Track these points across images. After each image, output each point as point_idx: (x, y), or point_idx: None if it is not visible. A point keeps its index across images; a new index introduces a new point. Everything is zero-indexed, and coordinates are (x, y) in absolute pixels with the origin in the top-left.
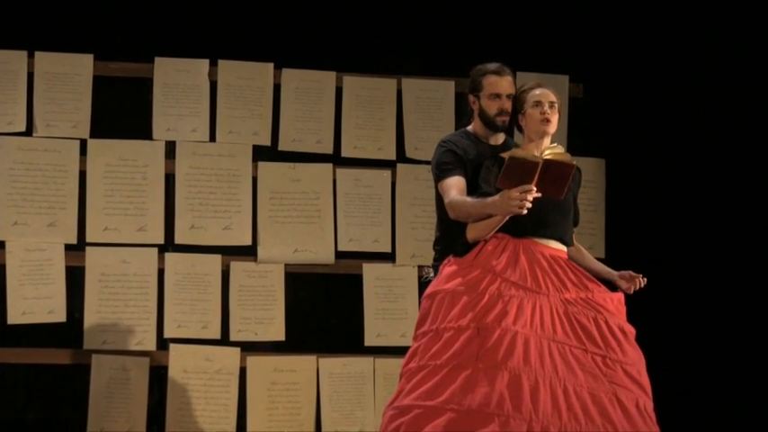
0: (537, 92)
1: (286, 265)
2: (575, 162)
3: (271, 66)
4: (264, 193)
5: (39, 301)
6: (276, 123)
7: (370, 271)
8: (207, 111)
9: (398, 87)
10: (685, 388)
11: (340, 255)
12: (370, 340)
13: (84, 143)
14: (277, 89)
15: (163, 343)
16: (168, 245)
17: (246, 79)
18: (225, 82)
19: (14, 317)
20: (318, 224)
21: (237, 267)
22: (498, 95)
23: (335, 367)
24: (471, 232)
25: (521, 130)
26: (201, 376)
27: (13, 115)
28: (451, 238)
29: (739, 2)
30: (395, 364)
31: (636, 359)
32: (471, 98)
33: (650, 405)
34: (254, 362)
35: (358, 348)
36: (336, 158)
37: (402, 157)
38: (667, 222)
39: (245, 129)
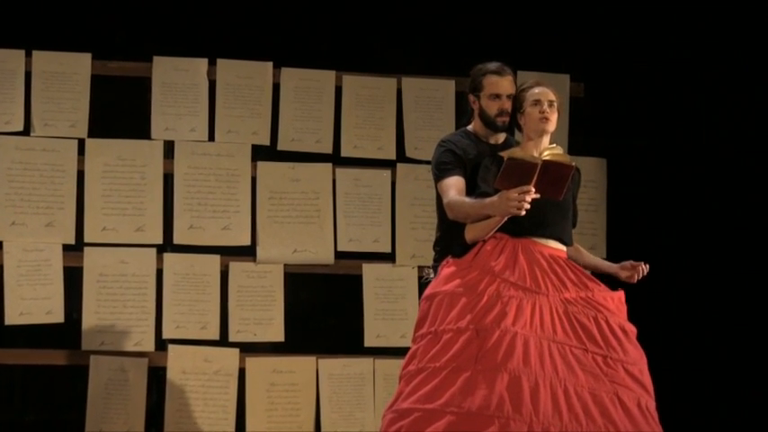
0: (536, 90)
1: (285, 265)
2: (574, 163)
3: (270, 65)
4: (263, 193)
5: (36, 302)
6: (275, 123)
7: (369, 271)
8: (206, 110)
9: (398, 86)
10: (687, 387)
11: (340, 255)
12: (369, 341)
13: (82, 143)
14: (276, 88)
15: (161, 344)
16: (167, 245)
17: (245, 78)
18: (224, 81)
19: (12, 317)
20: (318, 224)
21: (236, 268)
22: (498, 95)
23: (335, 368)
24: (470, 233)
25: (520, 128)
26: (200, 377)
27: (10, 114)
28: (452, 238)
29: (740, 1)
30: (395, 365)
31: (637, 358)
32: (471, 98)
33: (652, 404)
34: (253, 363)
35: (358, 349)
36: (336, 158)
37: (402, 156)
38: (669, 222)
39: (244, 128)
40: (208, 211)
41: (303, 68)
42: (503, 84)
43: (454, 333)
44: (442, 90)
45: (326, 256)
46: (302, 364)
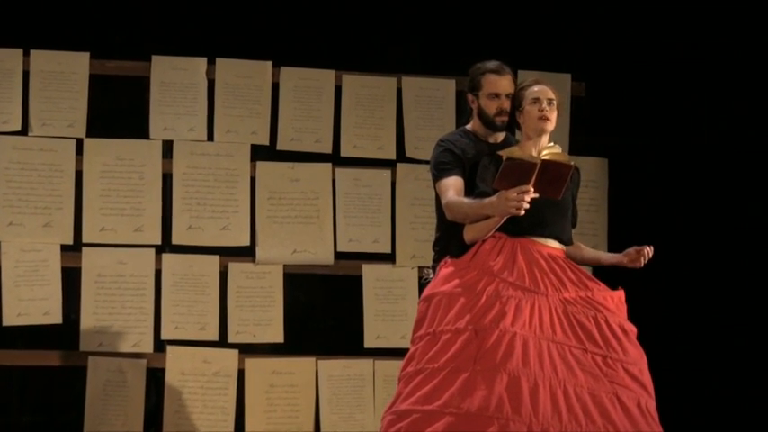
0: (535, 89)
1: (285, 265)
2: (573, 162)
3: (269, 64)
4: (263, 193)
5: (34, 303)
6: (275, 122)
7: (369, 272)
8: (204, 110)
9: (398, 86)
10: (688, 387)
11: (339, 255)
12: (369, 342)
13: (80, 142)
14: (275, 88)
15: (160, 345)
16: (165, 245)
17: (244, 78)
18: (222, 80)
19: (10, 318)
20: (317, 224)
21: (235, 268)
22: (497, 95)
23: (335, 369)
24: (469, 233)
25: (519, 127)
26: (199, 378)
27: (8, 114)
28: (451, 238)
29: (742, 1)
30: (395, 366)
31: (637, 358)
32: (470, 97)
33: (652, 404)
34: (252, 364)
35: (357, 350)
36: (336, 158)
37: (402, 156)
38: (670, 222)
39: (243, 128)
40: (207, 211)
41: (302, 68)
42: (502, 83)
43: (453, 334)
44: (443, 89)
45: (326, 257)
46: (302, 366)
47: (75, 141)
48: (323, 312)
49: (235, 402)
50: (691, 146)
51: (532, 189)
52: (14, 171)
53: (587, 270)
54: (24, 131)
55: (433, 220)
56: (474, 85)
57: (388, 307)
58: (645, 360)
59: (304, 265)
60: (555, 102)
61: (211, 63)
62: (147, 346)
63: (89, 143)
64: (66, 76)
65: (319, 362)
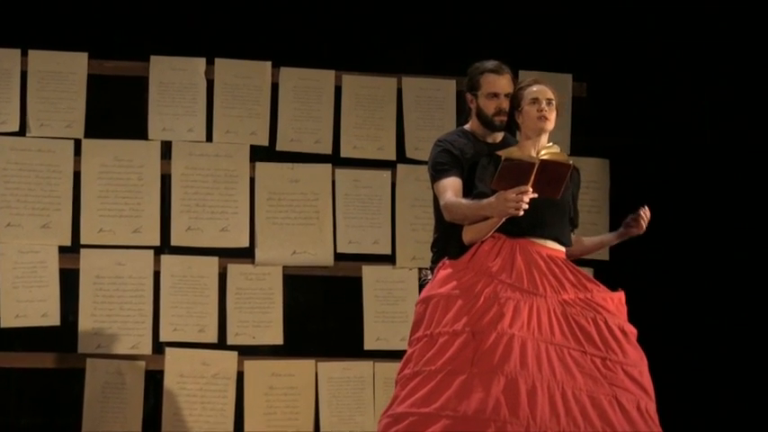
0: (534, 89)
1: (284, 267)
2: (572, 162)
3: (268, 64)
4: (262, 194)
5: (32, 304)
6: (274, 123)
7: (369, 273)
8: (203, 110)
9: (398, 86)
10: (688, 389)
11: (339, 257)
12: (369, 344)
13: (78, 143)
14: (275, 88)
15: (159, 347)
16: (164, 247)
17: (244, 78)
18: (222, 81)
19: (7, 320)
20: (317, 226)
21: (235, 270)
22: (496, 95)
23: (334, 371)
24: (467, 234)
25: (518, 127)
26: (198, 381)
27: (6, 115)
28: (449, 239)
29: (742, 2)
30: (395, 369)
31: (637, 360)
32: (469, 96)
33: (652, 407)
34: (251, 366)
35: (357, 352)
36: (335, 159)
37: (402, 157)
38: (672, 223)
39: (242, 128)
40: (206, 212)
41: (302, 68)
42: (500, 82)
43: (450, 336)
44: (443, 90)
45: (326, 258)
46: (301, 368)
47: (73, 142)
48: (323, 314)
49: (234, 404)
50: (692, 146)
51: (531, 189)
52: (12, 172)
53: (588, 271)
54: (22, 132)
55: (434, 221)
56: (472, 85)
57: (389, 309)
58: (645, 362)
59: (304, 266)
60: (554, 102)
61: (210, 63)
62: (146, 348)
63: (87, 144)
64: (64, 76)
65: (319, 364)
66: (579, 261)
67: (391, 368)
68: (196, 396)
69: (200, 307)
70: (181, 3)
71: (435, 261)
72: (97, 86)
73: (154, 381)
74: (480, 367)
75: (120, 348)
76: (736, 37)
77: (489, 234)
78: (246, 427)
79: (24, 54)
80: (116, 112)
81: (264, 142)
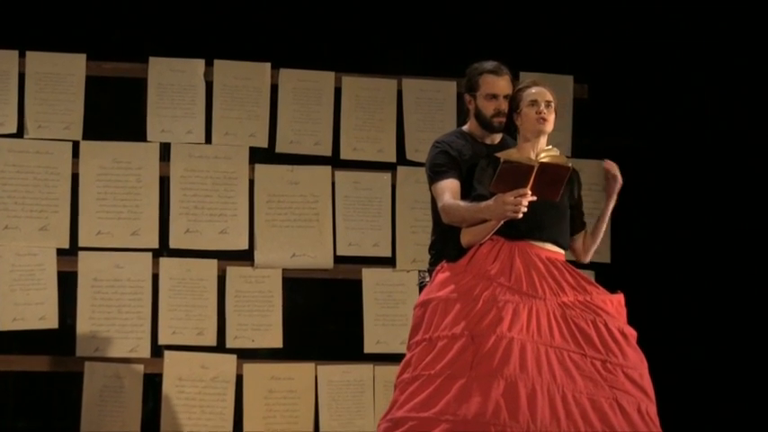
0: (533, 90)
1: (284, 270)
2: (570, 164)
3: (268, 66)
4: (261, 197)
5: (30, 307)
6: (273, 125)
7: (369, 276)
8: (202, 112)
9: (399, 88)
10: (689, 391)
11: (339, 259)
12: (369, 347)
13: (76, 145)
14: (274, 90)
15: (157, 350)
16: (163, 249)
17: (243, 79)
18: (221, 82)
19: (5, 323)
20: (317, 228)
21: (234, 272)
22: (495, 96)
23: (334, 375)
24: (466, 237)
25: (516, 129)
26: (197, 384)
27: (3, 116)
28: (447, 241)
29: (744, 3)
30: (395, 372)
31: (637, 362)
32: (467, 97)
33: (653, 409)
34: (250, 369)
35: (357, 355)
36: (335, 161)
37: (402, 159)
38: (673, 225)
39: (241, 130)
40: (205, 214)
41: (302, 69)
42: (500, 83)
43: (449, 340)
44: (444, 91)
45: (326, 261)
46: (301, 371)
47: (71, 144)
48: (322, 317)
49: (233, 408)
50: (693, 148)
51: (530, 192)
52: (10, 174)
53: (589, 274)
54: (20, 134)
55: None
56: (471, 86)
57: (389, 311)
58: (645, 364)
59: (303, 269)
60: (553, 104)
61: (209, 64)
62: (145, 352)
63: (85, 146)
64: (62, 77)
65: (319, 367)
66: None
67: (391, 371)
68: (195, 399)
69: (198, 310)
70: (180, 4)
71: (433, 263)
72: (95, 88)
73: (152, 384)
74: (480, 371)
75: (119, 351)
76: (737, 38)
77: (487, 237)
78: (246, 430)
79: (22, 55)
80: (114, 113)
81: (264, 144)
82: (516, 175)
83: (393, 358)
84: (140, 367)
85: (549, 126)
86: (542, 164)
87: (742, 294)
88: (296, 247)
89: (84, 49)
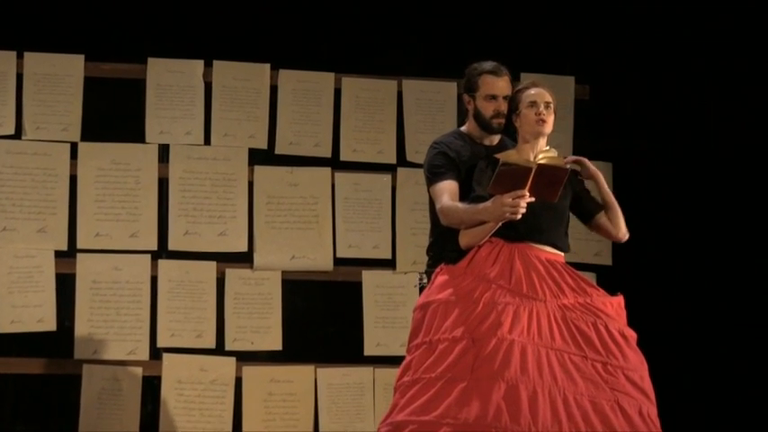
0: (532, 91)
1: (283, 272)
2: (569, 166)
3: (267, 66)
4: (261, 198)
5: (28, 310)
6: (273, 126)
7: (369, 278)
8: (201, 113)
9: (399, 89)
10: (689, 393)
11: (339, 261)
12: (369, 349)
13: (74, 146)
14: (274, 91)
15: (156, 352)
16: (161, 251)
17: (242, 80)
18: (220, 83)
19: (3, 326)
20: (316, 230)
21: (233, 274)
22: (495, 97)
23: (334, 377)
24: (464, 239)
25: (515, 130)
26: (196, 387)
27: (1, 118)
28: (445, 243)
29: (746, 4)
30: (395, 374)
31: (638, 364)
32: (466, 98)
33: (654, 411)
34: (250, 372)
35: (357, 358)
36: (335, 162)
37: (403, 160)
38: (674, 226)
39: (240, 131)
40: (204, 216)
41: (301, 70)
42: (499, 84)
43: (449, 343)
44: (444, 92)
45: (325, 263)
46: (300, 374)
47: (69, 145)
48: (322, 319)
49: (232, 411)
50: (695, 149)
51: (528, 194)
52: (8, 175)
53: (591, 276)
54: (18, 135)
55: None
56: (470, 86)
57: (389, 314)
58: (645, 366)
59: (303, 271)
60: (552, 105)
61: (208, 65)
62: (143, 354)
63: (84, 147)
64: (60, 78)
65: (318, 370)
66: (582, 266)
67: (391, 374)
68: (194, 402)
69: (197, 312)
70: (178, 4)
71: (431, 265)
72: (94, 89)
73: (151, 387)
74: (480, 374)
75: (117, 354)
76: (739, 39)
77: (486, 238)
78: None
79: (20, 56)
80: (113, 114)
81: (263, 145)
82: (514, 176)
83: (393, 361)
84: (139, 370)
85: (549, 127)
86: (540, 165)
87: (743, 296)
88: (295, 249)
89: (82, 49)
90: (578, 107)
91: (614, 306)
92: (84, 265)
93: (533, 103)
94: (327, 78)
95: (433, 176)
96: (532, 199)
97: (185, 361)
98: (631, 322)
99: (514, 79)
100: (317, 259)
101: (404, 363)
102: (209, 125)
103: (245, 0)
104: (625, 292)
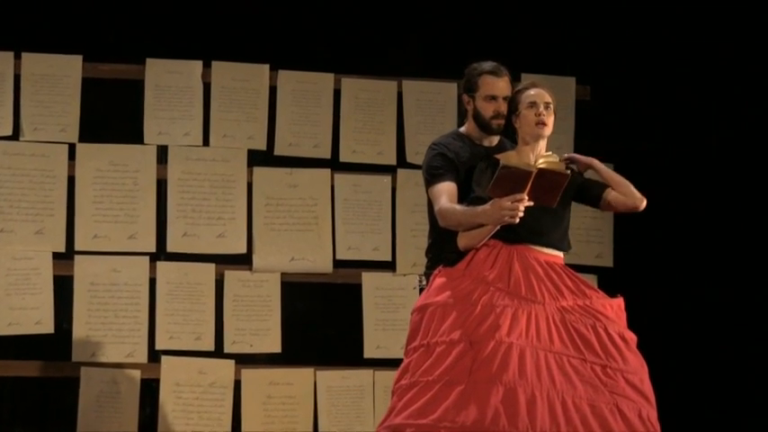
0: (532, 92)
1: (282, 274)
2: (569, 171)
3: (266, 67)
4: (260, 200)
5: (25, 312)
6: (272, 127)
7: (369, 280)
8: (200, 114)
9: (399, 89)
10: (690, 396)
11: (338, 263)
12: (369, 352)
13: (72, 147)
14: (273, 91)
15: (154, 355)
16: (160, 253)
17: (241, 81)
18: (219, 84)
19: (0, 328)
20: (316, 232)
21: (232, 276)
22: (495, 97)
23: (334, 380)
24: (462, 240)
25: (515, 132)
26: (195, 389)
27: None
28: (444, 245)
29: (748, 3)
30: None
31: (637, 367)
32: (466, 98)
33: (654, 414)
34: (249, 375)
35: (357, 360)
36: (335, 163)
37: (403, 161)
38: (676, 228)
39: (239, 132)
40: (202, 218)
41: (301, 71)
42: (499, 85)
43: (447, 345)
44: (444, 93)
45: (325, 265)
46: (300, 376)
47: (67, 146)
48: (321, 322)
49: (231, 414)
50: (696, 150)
51: (527, 197)
52: (5, 177)
53: (592, 278)
54: (15, 136)
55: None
56: (470, 86)
57: (389, 316)
58: (645, 369)
59: (302, 273)
60: (552, 105)
61: (207, 66)
62: (142, 357)
63: (82, 148)
64: (58, 79)
65: (318, 372)
66: (583, 268)
67: (391, 377)
68: (192, 405)
69: (196, 314)
70: (177, 4)
71: (430, 267)
72: (92, 90)
73: (149, 390)
74: (478, 377)
75: (116, 357)
76: (741, 40)
77: (484, 240)
78: None
79: (18, 57)
80: (111, 115)
81: (262, 146)
82: (514, 180)
83: (393, 363)
84: (137, 373)
85: (549, 129)
86: (540, 170)
87: (745, 299)
88: (295, 250)
89: (80, 50)
90: (579, 108)
91: (614, 308)
92: (81, 266)
93: (533, 104)
94: (327, 79)
95: (432, 178)
96: (531, 203)
97: (184, 363)
98: (632, 324)
99: (515, 80)
100: (317, 261)
101: (401, 366)
102: (208, 126)
103: (244, 0)
104: (626, 294)
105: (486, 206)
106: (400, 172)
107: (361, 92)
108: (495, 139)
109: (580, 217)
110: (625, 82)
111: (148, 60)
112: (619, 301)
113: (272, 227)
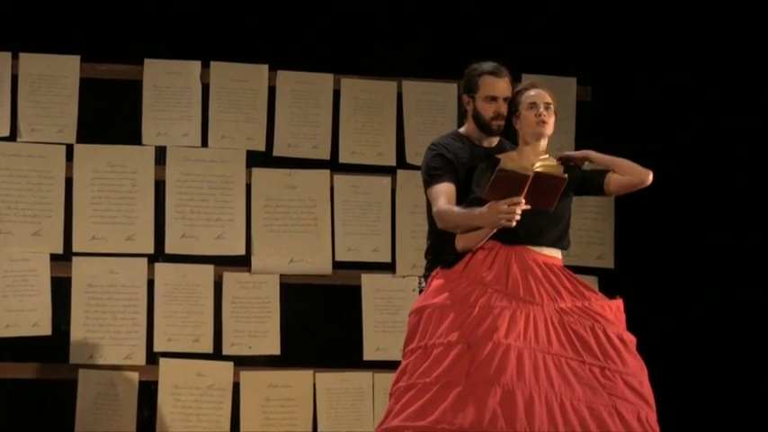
0: (532, 93)
1: (281, 275)
2: (566, 176)
3: (265, 67)
4: (259, 201)
5: (23, 314)
6: (271, 128)
7: (369, 282)
8: (199, 114)
9: (398, 90)
10: (689, 398)
11: (338, 265)
12: (369, 354)
13: (70, 148)
14: (272, 92)
15: (152, 357)
16: (158, 255)
17: (240, 81)
18: (217, 84)
19: None
20: (315, 233)
21: (230, 278)
22: (495, 98)
23: (333, 382)
24: (460, 242)
25: (515, 132)
26: (193, 392)
27: None
28: (443, 246)
29: (748, 3)
30: None
31: (637, 369)
32: (465, 98)
33: (653, 417)
34: (247, 377)
35: (356, 362)
36: (334, 164)
37: (402, 162)
38: (677, 229)
39: (238, 133)
40: (201, 219)
41: (300, 71)
42: (499, 85)
43: (444, 347)
44: (444, 94)
45: (324, 266)
46: (299, 378)
47: (65, 147)
48: (321, 324)
49: (230, 416)
50: (697, 151)
51: (524, 201)
52: (2, 178)
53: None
54: (13, 137)
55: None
56: (470, 87)
57: (388, 318)
58: (645, 371)
59: (301, 274)
60: (552, 106)
61: (206, 66)
62: (140, 359)
63: (80, 149)
64: (55, 79)
65: (317, 374)
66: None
67: (391, 379)
68: (191, 407)
69: (195, 316)
70: (175, 4)
71: (430, 268)
72: (90, 90)
73: (148, 392)
74: (476, 379)
75: (113, 359)
76: (742, 41)
77: (482, 242)
78: None
79: (15, 57)
80: (109, 116)
81: (261, 147)
82: (511, 183)
83: (393, 365)
84: (135, 375)
85: (549, 129)
86: (537, 174)
87: (745, 301)
88: (294, 252)
89: (78, 50)
90: (580, 109)
91: (613, 310)
92: (79, 268)
93: (533, 105)
94: (326, 79)
95: (431, 179)
96: (528, 206)
97: (182, 366)
98: (634, 326)
99: (515, 80)
100: (316, 262)
101: (399, 367)
102: (207, 127)
103: (243, 0)
104: (627, 295)
105: (483, 209)
106: (400, 173)
107: (360, 92)
108: (495, 140)
109: (581, 218)
110: (626, 83)
111: (147, 61)
112: (618, 303)
113: (271, 228)
